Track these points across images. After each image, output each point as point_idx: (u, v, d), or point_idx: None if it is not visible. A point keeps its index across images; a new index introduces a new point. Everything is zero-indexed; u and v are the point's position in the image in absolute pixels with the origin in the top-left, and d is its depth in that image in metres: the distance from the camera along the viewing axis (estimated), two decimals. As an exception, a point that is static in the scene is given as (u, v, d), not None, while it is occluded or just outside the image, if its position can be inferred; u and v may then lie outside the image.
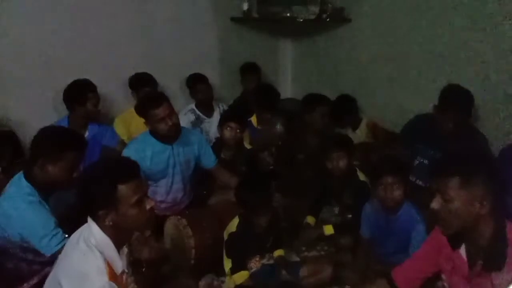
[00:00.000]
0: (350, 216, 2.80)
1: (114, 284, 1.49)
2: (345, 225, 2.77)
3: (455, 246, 1.67)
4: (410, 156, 2.79)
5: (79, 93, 3.04)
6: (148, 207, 1.61)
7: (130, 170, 1.60)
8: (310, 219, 2.88)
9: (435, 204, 1.59)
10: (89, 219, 1.58)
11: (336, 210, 2.93)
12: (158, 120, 2.59)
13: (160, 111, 2.57)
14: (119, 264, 1.57)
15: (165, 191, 2.79)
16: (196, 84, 3.65)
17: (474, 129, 2.67)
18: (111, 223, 1.54)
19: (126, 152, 2.62)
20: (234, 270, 2.29)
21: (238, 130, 2.98)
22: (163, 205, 2.80)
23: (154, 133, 2.68)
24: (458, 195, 1.53)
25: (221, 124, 3.03)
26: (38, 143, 2.09)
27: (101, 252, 1.51)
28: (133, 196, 1.55)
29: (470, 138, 2.57)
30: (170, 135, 2.67)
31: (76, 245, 1.55)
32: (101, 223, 1.54)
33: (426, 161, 2.73)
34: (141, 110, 2.68)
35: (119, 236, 1.58)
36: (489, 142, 2.66)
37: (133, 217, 1.57)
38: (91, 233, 1.54)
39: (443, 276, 1.77)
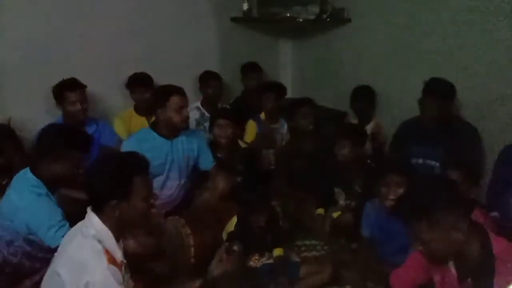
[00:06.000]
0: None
1: (113, 267, 1.51)
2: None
3: (443, 263, 1.62)
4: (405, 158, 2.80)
5: (57, 93, 2.97)
6: (153, 202, 1.68)
7: (145, 164, 1.66)
8: (320, 211, 2.86)
9: (416, 246, 1.55)
10: (89, 212, 1.60)
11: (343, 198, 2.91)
12: (176, 109, 2.64)
13: (183, 101, 2.67)
14: (119, 254, 1.60)
15: (159, 186, 2.73)
16: (209, 79, 3.65)
17: (463, 121, 2.75)
18: (118, 214, 1.57)
19: (125, 144, 2.72)
20: (233, 270, 2.28)
21: (228, 128, 2.93)
22: (158, 201, 2.77)
23: (156, 127, 2.73)
24: (431, 236, 1.48)
25: (211, 122, 3.02)
26: (43, 140, 2.10)
27: (100, 242, 1.54)
28: (145, 189, 1.62)
29: (460, 130, 2.68)
30: (179, 126, 2.72)
31: (73, 238, 1.59)
32: (106, 214, 1.57)
33: (420, 161, 2.78)
34: (162, 93, 2.71)
35: (119, 228, 1.61)
36: (488, 143, 2.72)
37: (141, 210, 1.62)
38: (91, 224, 1.57)
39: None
